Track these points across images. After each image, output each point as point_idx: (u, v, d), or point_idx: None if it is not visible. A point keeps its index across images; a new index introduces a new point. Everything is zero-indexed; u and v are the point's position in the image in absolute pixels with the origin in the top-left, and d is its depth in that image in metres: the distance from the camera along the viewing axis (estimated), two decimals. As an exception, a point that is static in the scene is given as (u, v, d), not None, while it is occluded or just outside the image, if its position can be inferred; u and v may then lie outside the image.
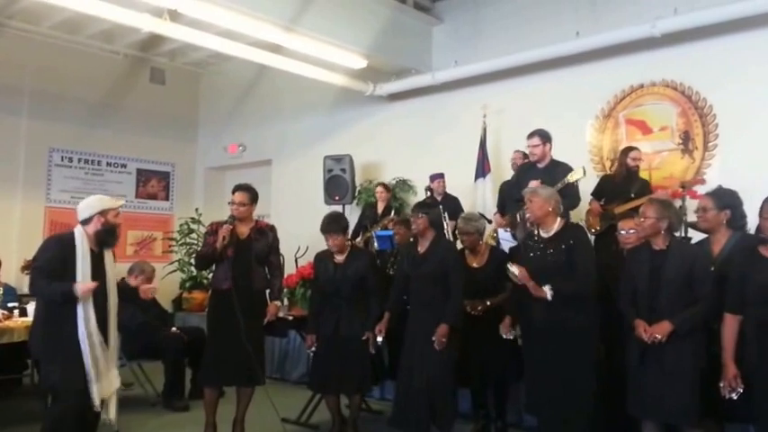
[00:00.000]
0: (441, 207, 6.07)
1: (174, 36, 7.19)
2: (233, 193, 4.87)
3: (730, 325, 3.52)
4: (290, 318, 5.55)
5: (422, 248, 4.67)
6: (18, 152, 8.98)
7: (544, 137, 5.63)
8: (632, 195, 5.71)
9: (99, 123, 9.56)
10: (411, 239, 4.95)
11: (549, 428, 4.16)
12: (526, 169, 5.84)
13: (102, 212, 4.04)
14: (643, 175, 6.32)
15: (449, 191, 7.17)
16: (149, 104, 10.11)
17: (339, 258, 4.94)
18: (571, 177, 5.33)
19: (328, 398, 5.02)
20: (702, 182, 6.09)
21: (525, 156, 6.51)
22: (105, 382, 4.00)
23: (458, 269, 4.58)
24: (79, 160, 9.57)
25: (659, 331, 3.59)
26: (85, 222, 4.04)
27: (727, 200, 3.93)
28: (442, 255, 4.57)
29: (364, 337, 4.78)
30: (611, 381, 4.05)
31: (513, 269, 4.14)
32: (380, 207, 7.52)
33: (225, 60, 9.73)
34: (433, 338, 4.35)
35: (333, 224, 4.93)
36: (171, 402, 5.91)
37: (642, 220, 3.84)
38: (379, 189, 7.60)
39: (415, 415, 4.41)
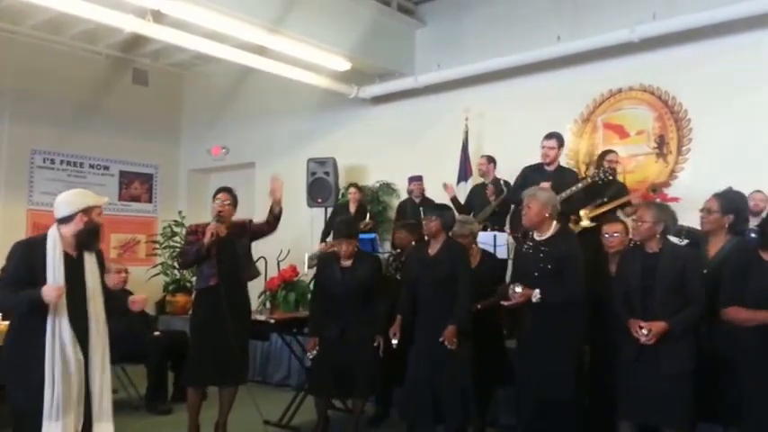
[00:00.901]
0: (422, 210, 6.19)
1: (158, 37, 7.15)
2: (216, 194, 4.91)
3: (736, 309, 3.47)
4: (272, 321, 5.54)
5: (432, 251, 4.65)
6: (0, 153, 8.93)
7: (561, 140, 5.76)
8: (605, 199, 5.77)
9: (81, 125, 9.50)
10: (413, 242, 4.95)
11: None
12: (533, 170, 5.86)
13: (86, 210, 3.52)
14: (618, 178, 6.41)
15: (432, 194, 7.22)
16: (132, 106, 10.06)
17: (345, 262, 4.92)
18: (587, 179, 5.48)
19: (319, 400, 5.02)
20: (667, 185, 6.22)
21: (490, 160, 6.68)
22: (75, 415, 3.38)
23: (466, 271, 4.58)
24: (61, 162, 9.51)
25: (655, 328, 3.59)
26: (65, 221, 3.50)
27: (734, 204, 3.93)
28: (454, 257, 4.56)
29: (376, 343, 4.79)
30: (596, 382, 4.10)
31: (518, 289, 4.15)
32: (353, 208, 7.55)
33: (208, 62, 9.71)
34: (441, 339, 4.35)
35: (349, 229, 4.97)
36: (154, 406, 5.90)
37: (639, 223, 3.84)
38: (352, 190, 7.67)
39: (427, 417, 4.46)
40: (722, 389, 3.65)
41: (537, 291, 4.04)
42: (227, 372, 4.71)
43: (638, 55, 6.66)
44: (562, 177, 5.65)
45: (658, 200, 5.45)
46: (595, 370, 4.34)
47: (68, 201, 3.55)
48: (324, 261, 5.12)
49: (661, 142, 6.64)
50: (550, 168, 5.74)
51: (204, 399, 4.91)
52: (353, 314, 4.84)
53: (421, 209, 6.94)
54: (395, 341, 4.72)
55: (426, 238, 4.75)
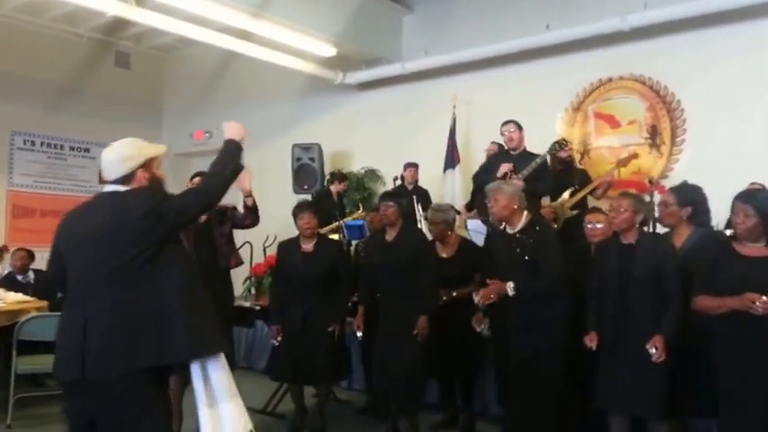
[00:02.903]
0: (414, 197, 6.16)
1: (141, 21, 7.04)
2: (192, 178, 4.92)
3: (703, 298, 3.39)
4: (257, 307, 5.50)
5: (389, 237, 4.64)
6: (-21, 135, 8.79)
7: (518, 125, 5.71)
8: (576, 187, 5.80)
9: (63, 107, 9.38)
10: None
11: (518, 422, 4.19)
12: (499, 157, 5.87)
13: (147, 164, 2.76)
14: (610, 168, 6.41)
15: (420, 181, 7.17)
16: (114, 89, 9.93)
17: (306, 247, 4.88)
18: (541, 156, 5.45)
19: (293, 388, 5.00)
20: (625, 162, 6.26)
21: (501, 147, 6.57)
22: None
23: (430, 257, 4.57)
24: (42, 144, 9.40)
25: (659, 347, 3.51)
26: (123, 181, 2.70)
27: (689, 196, 3.92)
28: (412, 243, 4.55)
29: (331, 329, 4.75)
30: (579, 373, 4.09)
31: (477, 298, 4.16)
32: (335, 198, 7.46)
33: (191, 45, 9.56)
34: (415, 331, 4.35)
35: (303, 204, 4.96)
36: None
37: (615, 213, 3.80)
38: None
39: (392, 404, 4.45)
40: (698, 382, 3.63)
41: (510, 284, 4.02)
42: None
43: (628, 44, 6.62)
44: (527, 161, 5.56)
45: (656, 192, 5.46)
46: (581, 357, 4.33)
47: (123, 155, 2.73)
48: (285, 246, 5.05)
49: (654, 132, 6.63)
50: (515, 153, 5.72)
51: (186, 384, 4.85)
52: (315, 300, 4.78)
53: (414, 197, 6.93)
54: (359, 334, 4.72)
55: (386, 224, 4.71)
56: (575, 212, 5.69)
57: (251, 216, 4.87)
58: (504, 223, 4.26)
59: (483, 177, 5.99)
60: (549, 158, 5.66)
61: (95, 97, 9.69)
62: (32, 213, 9.19)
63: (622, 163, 6.18)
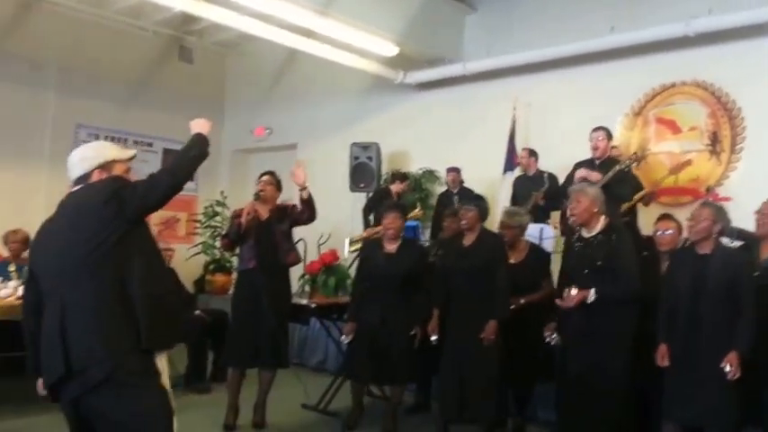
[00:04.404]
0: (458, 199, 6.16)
1: (205, 16, 7.14)
2: (260, 177, 4.99)
3: None
4: (313, 305, 5.52)
5: (467, 242, 4.60)
6: (45, 127, 8.97)
7: (609, 133, 5.66)
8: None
9: (126, 101, 9.54)
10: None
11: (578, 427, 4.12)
12: (583, 165, 5.71)
13: (104, 165, 2.72)
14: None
15: (474, 183, 7.15)
16: (177, 83, 10.06)
17: (390, 248, 4.88)
18: (624, 163, 5.42)
19: (356, 386, 5.01)
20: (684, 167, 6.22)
21: (531, 153, 6.57)
22: None
23: (504, 264, 4.52)
24: (105, 137, 9.53)
25: (734, 364, 3.47)
26: (81, 181, 2.72)
27: None
28: (489, 248, 4.51)
29: (413, 332, 4.74)
30: (639, 383, 4.01)
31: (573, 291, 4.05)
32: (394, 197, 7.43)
33: (253, 41, 9.63)
34: (482, 335, 4.32)
35: (399, 205, 5.03)
36: (193, 384, 5.93)
37: (694, 222, 3.73)
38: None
39: (465, 409, 4.43)
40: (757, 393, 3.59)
41: (592, 291, 3.94)
42: (265, 355, 4.73)
43: (692, 49, 6.49)
44: (609, 169, 5.48)
45: (710, 199, 5.33)
46: (641, 368, 4.24)
47: (83, 155, 2.77)
48: (368, 246, 5.09)
49: (714, 139, 6.47)
50: (599, 161, 5.62)
51: (243, 378, 4.93)
52: (394, 302, 4.79)
53: (455, 198, 6.94)
54: (434, 337, 4.66)
55: (464, 228, 4.66)
56: (625, 219, 5.58)
57: (308, 210, 4.88)
58: (581, 227, 4.19)
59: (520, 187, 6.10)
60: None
61: (158, 91, 9.84)
62: (95, 206, 9.38)
63: (675, 170, 6.05)
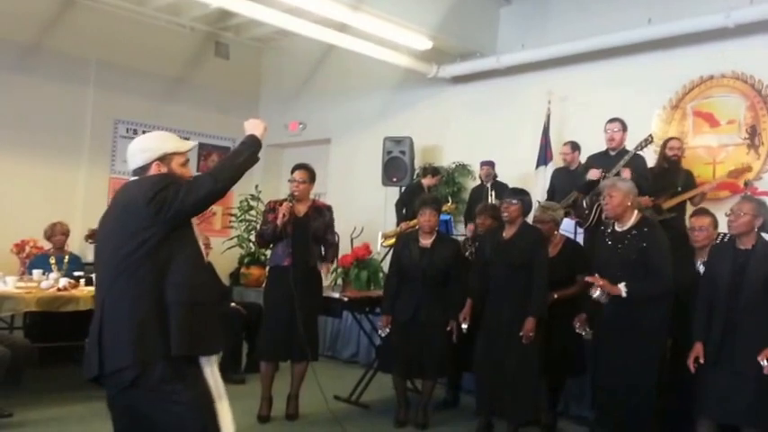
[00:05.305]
0: (493, 192, 6.15)
1: (241, 11, 7.22)
2: (292, 171, 4.96)
3: None
4: (346, 299, 5.56)
5: (507, 235, 4.58)
6: (84, 122, 9.17)
7: (624, 124, 5.65)
8: (679, 189, 5.62)
9: (164, 96, 9.69)
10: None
11: (610, 421, 4.09)
12: (598, 157, 5.75)
13: (164, 158, 2.72)
14: (707, 168, 6.26)
15: (507, 177, 7.10)
16: (213, 79, 10.21)
17: (425, 242, 4.90)
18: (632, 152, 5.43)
19: (397, 380, 5.02)
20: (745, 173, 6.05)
21: (575, 147, 6.49)
22: None
23: (544, 259, 4.49)
24: (143, 132, 9.67)
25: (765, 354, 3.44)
26: (139, 172, 2.72)
27: None
28: (530, 242, 4.48)
29: (449, 328, 4.75)
30: (675, 378, 3.97)
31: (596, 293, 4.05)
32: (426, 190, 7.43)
33: (288, 37, 9.72)
34: (521, 333, 4.30)
35: (435, 200, 5.01)
36: (228, 375, 5.97)
37: (735, 217, 3.68)
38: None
39: (502, 404, 4.42)
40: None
41: (622, 285, 3.91)
42: (297, 349, 4.77)
43: (732, 41, 6.34)
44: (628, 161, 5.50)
45: (749, 193, 5.23)
46: (675, 365, 4.20)
47: (143, 146, 2.75)
48: (403, 239, 5.09)
49: (753, 133, 6.34)
50: (614, 154, 5.58)
51: (276, 370, 4.98)
52: (429, 296, 4.81)
53: (492, 193, 6.90)
54: (464, 326, 4.67)
55: (506, 221, 4.64)
56: (672, 215, 5.51)
57: (332, 255, 5.13)
58: (614, 221, 4.17)
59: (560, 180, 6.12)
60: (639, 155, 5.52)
61: (195, 87, 10.00)
62: (132, 200, 9.54)
63: (734, 175, 5.92)
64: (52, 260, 6.27)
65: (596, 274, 4.08)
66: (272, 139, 10.73)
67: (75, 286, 5.38)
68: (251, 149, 2.75)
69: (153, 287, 2.47)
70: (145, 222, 2.48)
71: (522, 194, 4.68)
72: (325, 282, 5.24)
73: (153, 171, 2.67)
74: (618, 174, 5.27)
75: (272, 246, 5.03)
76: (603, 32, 6.93)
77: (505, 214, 4.58)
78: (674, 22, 6.50)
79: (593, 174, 5.51)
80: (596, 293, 4.02)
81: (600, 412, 4.21)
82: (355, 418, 5.14)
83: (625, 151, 5.56)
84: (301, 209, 4.89)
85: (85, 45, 9.00)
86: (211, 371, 2.62)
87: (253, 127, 2.84)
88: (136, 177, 2.70)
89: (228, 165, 2.69)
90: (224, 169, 2.66)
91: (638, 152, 5.51)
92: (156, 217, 2.48)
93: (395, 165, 8.16)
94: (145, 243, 2.47)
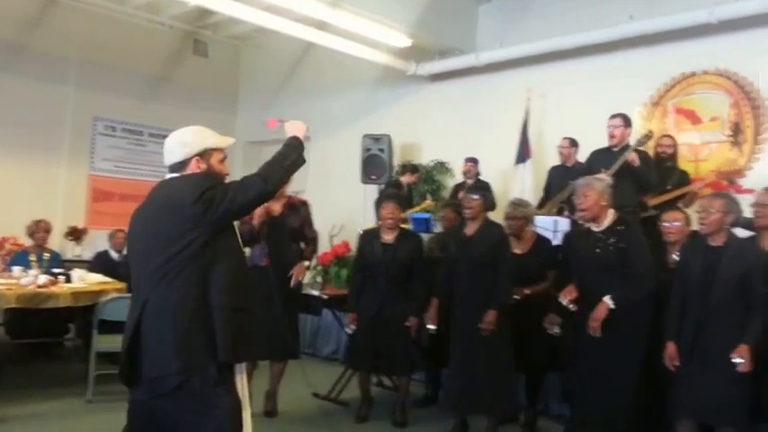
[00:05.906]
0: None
1: (220, 9, 7.18)
2: None
3: None
4: (325, 296, 5.55)
5: (469, 231, 4.56)
6: (64, 120, 9.13)
7: (627, 120, 5.55)
8: (669, 187, 5.59)
9: (143, 94, 9.66)
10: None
11: (588, 424, 4.10)
12: (600, 153, 5.67)
13: (203, 154, 2.63)
14: (689, 166, 6.21)
15: (487, 175, 7.11)
16: (192, 77, 10.18)
17: (388, 238, 4.88)
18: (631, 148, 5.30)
19: (361, 376, 5.02)
20: (739, 173, 6.02)
21: (572, 143, 6.45)
22: None
23: (507, 253, 4.49)
24: (122, 130, 9.69)
25: (746, 357, 3.42)
26: (178, 168, 2.62)
27: None
28: (492, 238, 4.46)
29: (408, 323, 4.74)
30: (652, 379, 3.98)
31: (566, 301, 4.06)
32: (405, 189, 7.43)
33: (266, 35, 9.66)
34: (481, 325, 4.29)
35: (390, 194, 4.96)
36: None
37: (706, 214, 3.64)
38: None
39: (471, 400, 4.41)
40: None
41: (608, 299, 3.90)
42: (277, 347, 4.73)
43: (715, 37, 6.31)
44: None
45: (732, 191, 5.24)
46: (652, 365, 4.22)
47: (181, 140, 2.65)
48: (367, 236, 5.07)
49: (736, 130, 6.33)
50: (616, 150, 5.57)
51: (255, 368, 4.96)
52: (393, 292, 4.79)
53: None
54: (431, 327, 4.66)
55: (467, 217, 4.61)
56: (656, 213, 5.52)
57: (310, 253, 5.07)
58: (589, 221, 4.14)
59: (557, 177, 6.04)
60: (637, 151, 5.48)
61: (174, 85, 9.96)
62: (111, 197, 9.48)
63: (724, 176, 5.92)
64: (32, 257, 6.25)
65: (571, 285, 4.07)
66: (251, 136, 10.70)
67: (55, 283, 5.37)
68: (297, 151, 2.71)
69: (198, 290, 2.42)
70: (188, 224, 2.41)
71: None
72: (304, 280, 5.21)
73: (192, 166, 2.59)
74: (621, 167, 5.23)
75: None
76: (583, 29, 6.93)
77: (467, 210, 4.56)
78: (655, 18, 6.47)
79: (632, 157, 5.32)
80: (565, 301, 4.03)
81: (580, 415, 4.20)
82: (333, 414, 5.13)
83: (627, 147, 5.55)
84: (277, 207, 4.85)
85: (65, 43, 8.95)
86: (240, 378, 2.60)
87: (295, 129, 2.81)
88: (173, 174, 2.61)
89: (277, 167, 2.62)
90: (273, 171, 2.59)
91: (638, 148, 5.43)
92: (202, 217, 2.41)
93: (373, 162, 8.15)
94: (190, 244, 2.40)
